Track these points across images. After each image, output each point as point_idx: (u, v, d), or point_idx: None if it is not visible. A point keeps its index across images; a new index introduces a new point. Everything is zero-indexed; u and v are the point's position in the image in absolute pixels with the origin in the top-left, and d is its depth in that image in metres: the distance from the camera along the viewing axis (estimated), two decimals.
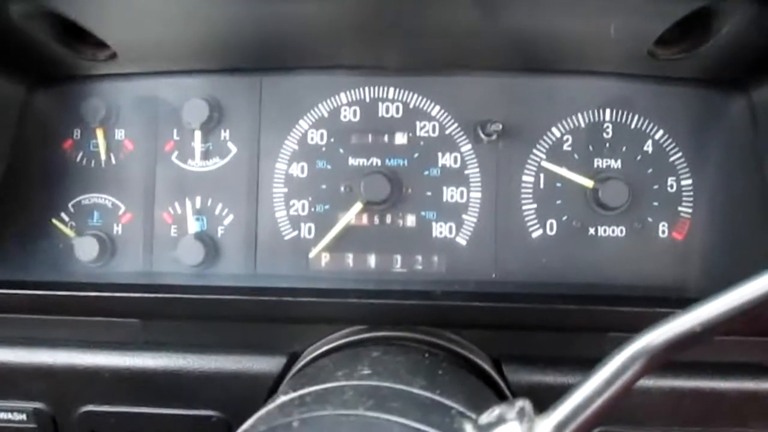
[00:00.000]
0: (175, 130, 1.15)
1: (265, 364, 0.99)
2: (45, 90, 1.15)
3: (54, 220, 1.15)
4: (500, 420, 0.61)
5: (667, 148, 1.11)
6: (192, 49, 1.09)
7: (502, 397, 0.91)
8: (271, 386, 0.98)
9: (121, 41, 1.01)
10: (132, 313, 1.06)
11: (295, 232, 1.13)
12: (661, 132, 1.11)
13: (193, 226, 1.14)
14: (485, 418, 0.63)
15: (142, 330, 1.04)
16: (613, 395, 0.62)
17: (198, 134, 1.13)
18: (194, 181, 1.15)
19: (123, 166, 1.16)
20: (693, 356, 0.93)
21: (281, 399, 0.69)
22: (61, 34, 1.01)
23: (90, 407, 1.03)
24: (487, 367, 0.94)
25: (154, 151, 1.15)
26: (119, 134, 1.16)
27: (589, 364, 0.99)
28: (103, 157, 1.15)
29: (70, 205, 1.16)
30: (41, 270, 1.13)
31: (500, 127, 1.05)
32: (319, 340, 1.01)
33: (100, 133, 1.15)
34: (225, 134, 1.15)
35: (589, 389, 0.62)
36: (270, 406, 0.69)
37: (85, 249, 1.12)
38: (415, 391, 0.70)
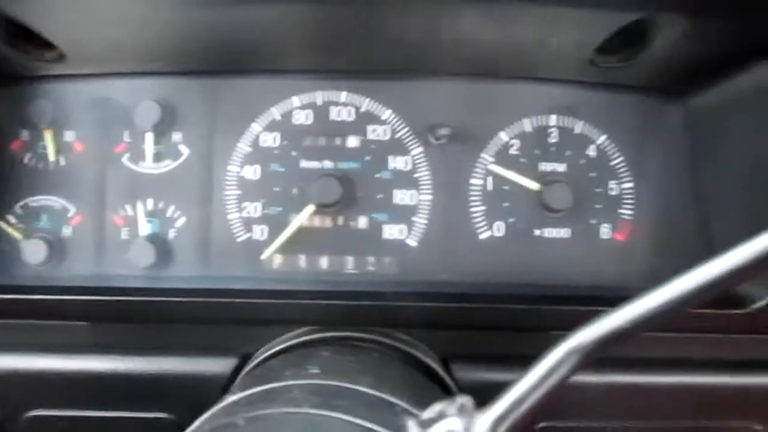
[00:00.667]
0: (126, 132, 1.14)
1: (216, 366, 1.00)
2: None
3: (2, 223, 1.13)
4: (441, 416, 0.63)
5: (609, 153, 1.15)
6: (144, 51, 1.09)
7: (449, 395, 0.93)
8: (222, 388, 0.99)
9: (70, 42, 1.01)
10: (81, 316, 1.06)
11: (248, 234, 1.14)
12: (603, 137, 1.15)
13: (145, 228, 1.13)
14: (427, 414, 0.65)
15: (91, 332, 1.03)
16: (548, 391, 0.65)
17: (150, 136, 1.13)
18: (146, 183, 1.14)
19: (73, 167, 1.14)
20: (630, 352, 0.98)
21: (228, 400, 0.70)
22: (7, 35, 0.99)
23: (38, 412, 1.02)
24: (436, 366, 0.96)
25: (105, 152, 1.14)
26: (69, 136, 1.14)
27: (532, 361, 1.03)
28: (52, 158, 1.14)
29: (17, 206, 1.14)
30: None
31: (448, 131, 1.08)
32: (270, 342, 1.02)
33: (48, 134, 1.13)
34: (177, 136, 1.15)
35: (526, 385, 0.65)
36: (217, 407, 0.70)
37: (33, 251, 1.11)
38: (362, 389, 0.72)
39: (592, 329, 0.69)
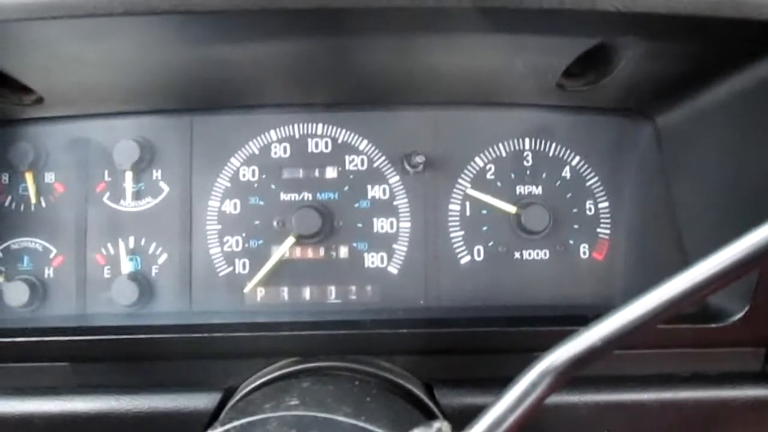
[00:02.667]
0: (106, 171, 1.16)
1: (200, 401, 1.00)
2: None
3: None
4: None
5: (584, 174, 1.17)
6: (121, 92, 1.10)
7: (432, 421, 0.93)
8: (206, 423, 0.98)
9: (47, 87, 1.02)
10: (64, 357, 1.05)
11: (230, 268, 1.15)
12: (577, 158, 1.17)
13: (127, 266, 1.14)
14: None
15: (74, 373, 1.03)
16: (524, 412, 0.66)
17: (129, 175, 1.14)
18: (127, 222, 1.15)
19: (54, 208, 1.15)
20: (612, 370, 0.99)
21: None
22: None
23: None
24: (418, 392, 0.97)
25: (86, 192, 1.15)
26: (49, 177, 1.16)
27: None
28: (33, 200, 1.15)
29: None
30: None
31: (423, 158, 1.10)
32: (255, 375, 1.03)
33: (29, 176, 1.15)
34: (157, 174, 1.16)
35: (502, 408, 0.66)
36: None
37: (15, 294, 1.11)
38: (339, 418, 0.72)
39: (565, 349, 0.70)
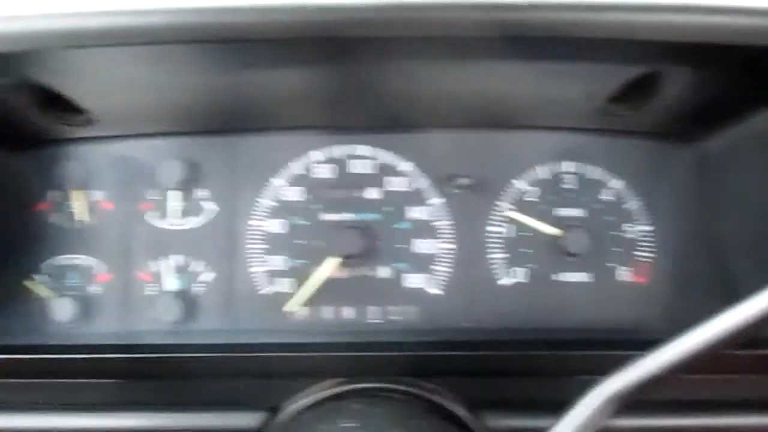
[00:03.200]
0: (151, 190, 1.17)
1: (245, 420, 1.00)
2: (21, 154, 1.17)
3: (29, 282, 1.15)
4: None
5: (625, 197, 1.18)
6: (167, 113, 1.12)
7: None
8: None
9: (100, 108, 1.04)
10: (111, 374, 1.07)
11: (272, 287, 1.16)
12: (618, 181, 1.18)
13: (171, 284, 1.15)
14: None
15: (120, 390, 1.04)
16: None
17: (174, 194, 1.16)
18: (171, 240, 1.17)
19: (99, 226, 1.17)
20: (666, 395, 0.98)
21: None
22: (40, 102, 1.03)
23: None
24: (465, 415, 0.97)
25: (131, 211, 1.17)
26: (95, 195, 1.18)
27: (561, 407, 1.03)
28: (79, 218, 1.17)
29: (46, 266, 1.16)
30: (17, 332, 1.12)
31: (469, 181, 1.11)
32: (298, 394, 1.03)
33: (76, 194, 1.17)
34: (201, 193, 1.17)
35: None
36: None
37: (62, 310, 1.13)
38: None
39: (628, 374, 0.70)
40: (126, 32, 0.79)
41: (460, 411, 0.97)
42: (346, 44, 0.86)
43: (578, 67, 0.95)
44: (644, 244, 1.17)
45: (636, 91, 1.03)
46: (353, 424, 0.77)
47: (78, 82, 0.98)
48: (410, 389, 0.97)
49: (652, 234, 1.17)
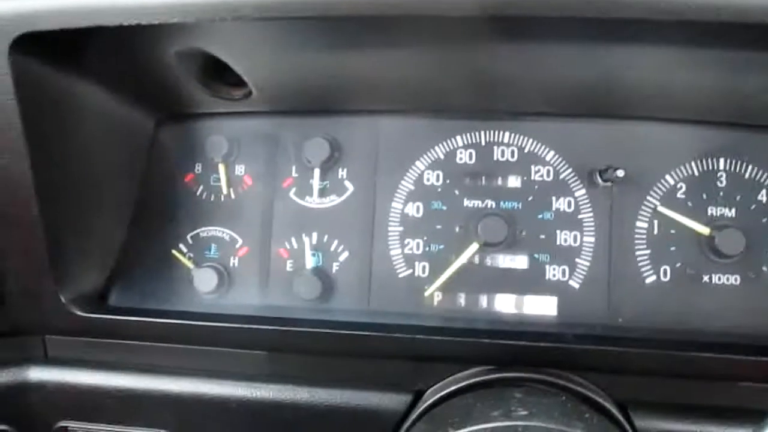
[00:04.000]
0: (293, 167, 1.19)
1: (391, 401, 1.00)
2: (172, 125, 1.20)
3: (175, 252, 1.18)
4: None
5: None
6: (316, 91, 1.13)
7: None
8: (396, 423, 0.99)
9: (261, 82, 1.06)
10: (251, 345, 1.09)
11: (410, 271, 1.16)
12: None
13: (310, 261, 1.16)
14: None
15: (268, 362, 1.06)
16: None
17: (317, 172, 1.17)
18: (311, 218, 1.18)
19: (242, 200, 1.19)
20: None
21: None
22: (202, 73, 1.06)
23: None
24: (617, 413, 0.94)
25: (273, 187, 1.19)
26: (239, 170, 1.20)
27: (715, 412, 0.99)
28: (223, 191, 1.19)
29: (189, 237, 1.19)
30: (163, 298, 1.16)
31: (623, 173, 1.07)
32: (441, 380, 1.03)
33: (222, 168, 1.19)
34: (342, 173, 1.18)
35: None
36: None
37: (204, 280, 1.15)
38: None
39: None
40: (285, 5, 0.80)
41: (612, 408, 0.95)
42: (493, 26, 0.84)
43: (759, 57, 0.90)
44: None
45: None
46: (526, 412, 0.76)
47: (247, 56, 0.99)
48: (561, 382, 0.95)
49: None
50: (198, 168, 1.21)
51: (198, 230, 1.20)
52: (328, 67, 1.05)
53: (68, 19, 0.82)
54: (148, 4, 0.81)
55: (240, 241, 1.19)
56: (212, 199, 1.20)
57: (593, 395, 0.94)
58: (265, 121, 1.19)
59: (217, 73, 1.06)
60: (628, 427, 0.94)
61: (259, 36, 0.93)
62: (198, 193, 1.20)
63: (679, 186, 1.13)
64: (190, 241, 1.19)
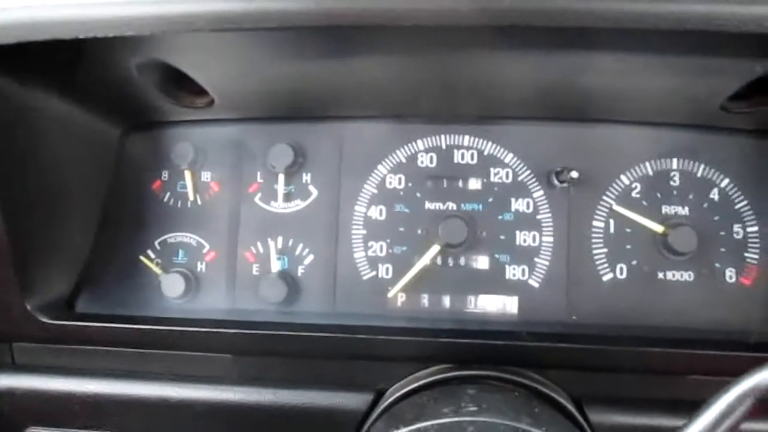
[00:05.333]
0: (259, 173, 1.21)
1: (353, 401, 1.03)
2: (138, 134, 1.22)
3: (143, 258, 1.20)
4: None
5: (733, 196, 1.15)
6: (280, 98, 1.15)
7: None
8: (358, 422, 1.01)
9: (223, 91, 1.08)
10: (218, 348, 1.11)
11: (373, 273, 1.18)
12: (726, 180, 1.15)
13: (276, 265, 1.18)
14: None
15: (234, 365, 1.08)
16: None
17: (281, 177, 1.19)
18: (276, 222, 1.20)
19: (208, 206, 1.21)
20: None
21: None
22: (164, 83, 1.07)
23: None
24: (571, 407, 0.97)
25: (239, 192, 1.21)
26: (206, 176, 1.22)
27: (668, 405, 1.02)
28: (190, 197, 1.21)
29: (157, 243, 1.21)
30: (132, 304, 1.18)
31: (577, 174, 1.10)
32: (402, 379, 1.05)
33: (188, 174, 1.21)
34: (307, 178, 1.20)
35: (698, 428, 0.66)
36: None
37: (172, 285, 1.17)
38: (524, 427, 0.73)
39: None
40: (241, 17, 0.82)
41: (566, 403, 0.98)
42: (453, 34, 0.87)
43: (711, 62, 0.93)
44: (752, 245, 1.14)
45: (757, 89, 1.01)
46: (476, 408, 0.78)
47: (206, 66, 1.01)
48: (517, 378, 0.98)
49: (761, 235, 1.14)
50: (165, 175, 1.23)
51: (165, 236, 1.21)
52: (290, 76, 1.07)
53: (25, 33, 0.83)
54: (104, 17, 0.83)
55: (207, 246, 1.21)
56: (179, 206, 1.22)
57: (547, 390, 0.97)
58: (230, 128, 1.21)
59: (180, 83, 1.08)
60: (582, 420, 0.97)
61: (218, 46, 0.95)
62: (165, 199, 1.22)
63: (634, 186, 1.17)
64: (158, 247, 1.21)
